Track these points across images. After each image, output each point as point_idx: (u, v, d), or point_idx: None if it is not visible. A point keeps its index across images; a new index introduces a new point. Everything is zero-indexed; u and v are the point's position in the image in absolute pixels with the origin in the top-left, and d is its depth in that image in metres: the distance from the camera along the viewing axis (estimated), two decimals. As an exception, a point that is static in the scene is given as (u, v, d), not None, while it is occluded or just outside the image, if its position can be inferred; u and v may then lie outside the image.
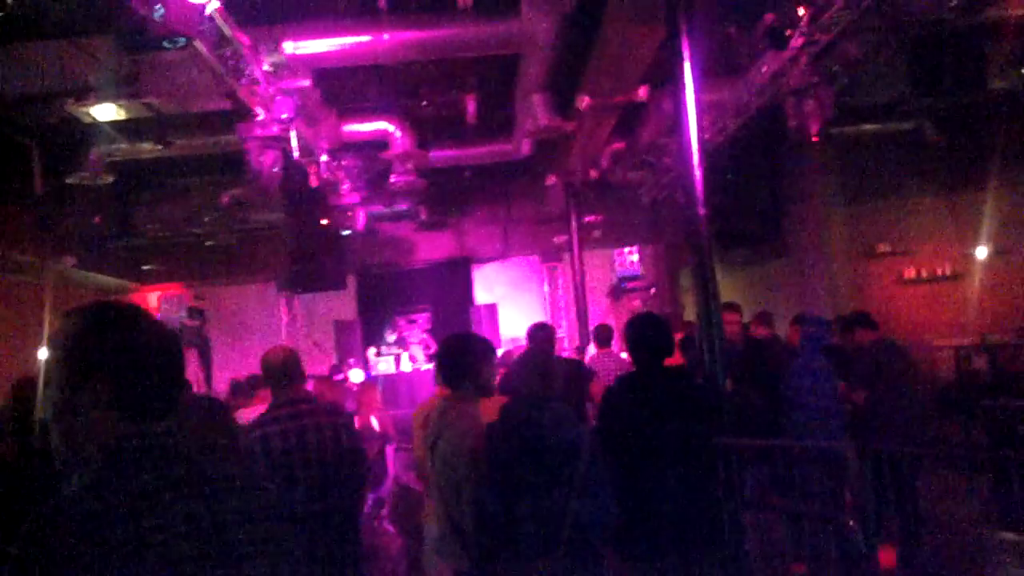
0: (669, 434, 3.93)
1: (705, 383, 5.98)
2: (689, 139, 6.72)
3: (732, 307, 7.27)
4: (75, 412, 1.59)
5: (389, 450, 8.01)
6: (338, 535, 4.19)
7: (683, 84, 6.74)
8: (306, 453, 4.14)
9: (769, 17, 8.41)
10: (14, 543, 1.42)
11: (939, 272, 14.07)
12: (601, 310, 17.13)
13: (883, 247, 14.20)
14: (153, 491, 1.53)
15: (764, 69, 9.35)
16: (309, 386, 8.35)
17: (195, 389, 12.29)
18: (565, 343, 16.48)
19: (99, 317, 1.65)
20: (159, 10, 5.72)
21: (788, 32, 8.26)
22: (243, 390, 8.25)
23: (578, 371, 6.84)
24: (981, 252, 13.68)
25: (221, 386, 13.52)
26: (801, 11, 8.14)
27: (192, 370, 14.76)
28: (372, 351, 16.37)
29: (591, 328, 10.72)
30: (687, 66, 6.74)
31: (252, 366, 11.33)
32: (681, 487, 3.88)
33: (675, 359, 8.04)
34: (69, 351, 1.61)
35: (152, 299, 16.05)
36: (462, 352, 4.10)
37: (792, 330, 7.52)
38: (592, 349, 9.39)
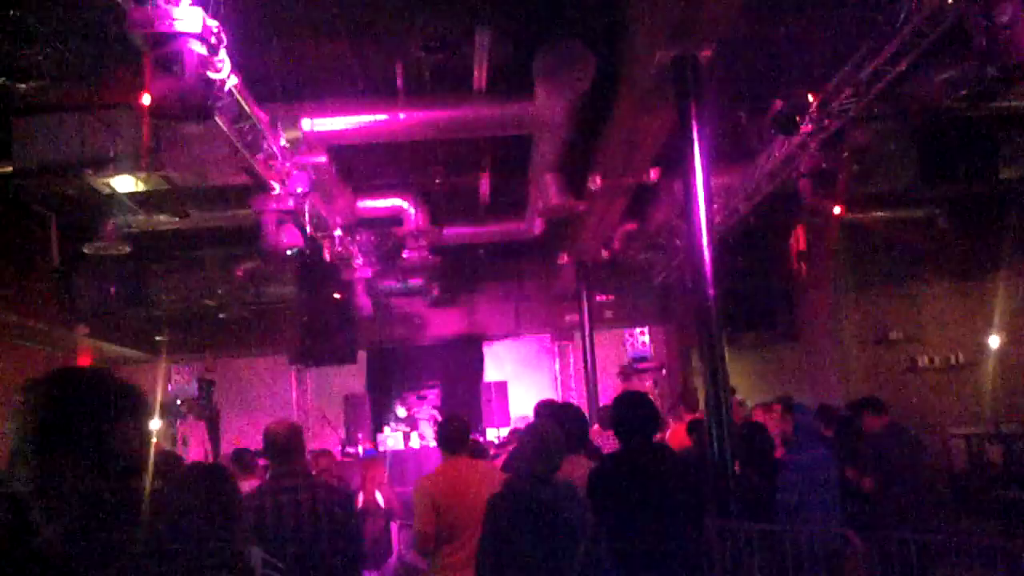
0: (654, 510, 3.90)
1: (688, 460, 5.94)
2: (699, 222, 6.79)
3: None
4: (51, 479, 1.61)
5: (393, 527, 7.94)
6: None
7: (693, 168, 6.84)
8: (299, 528, 4.12)
9: (778, 103, 8.52)
10: None
11: (952, 360, 13.99)
12: (611, 390, 17.04)
13: (895, 334, 14.16)
14: (123, 545, 1.54)
15: (774, 154, 9.45)
16: (322, 461, 8.34)
17: (203, 459, 12.26)
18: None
19: (58, 386, 1.68)
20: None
21: (797, 118, 8.36)
22: (244, 461, 8.23)
23: (586, 449, 6.79)
24: (994, 340, 13.61)
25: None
26: (810, 97, 8.25)
27: (201, 441, 14.72)
28: (388, 429, 16.26)
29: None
30: (697, 150, 6.83)
31: (260, 438, 11.29)
32: (667, 562, 3.84)
33: (682, 440, 8.00)
34: (34, 426, 1.64)
35: (163, 371, 16.06)
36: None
37: (783, 418, 7.44)
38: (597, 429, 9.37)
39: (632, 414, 4.24)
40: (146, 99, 5.76)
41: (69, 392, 1.67)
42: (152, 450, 1.76)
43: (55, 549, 1.49)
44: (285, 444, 4.32)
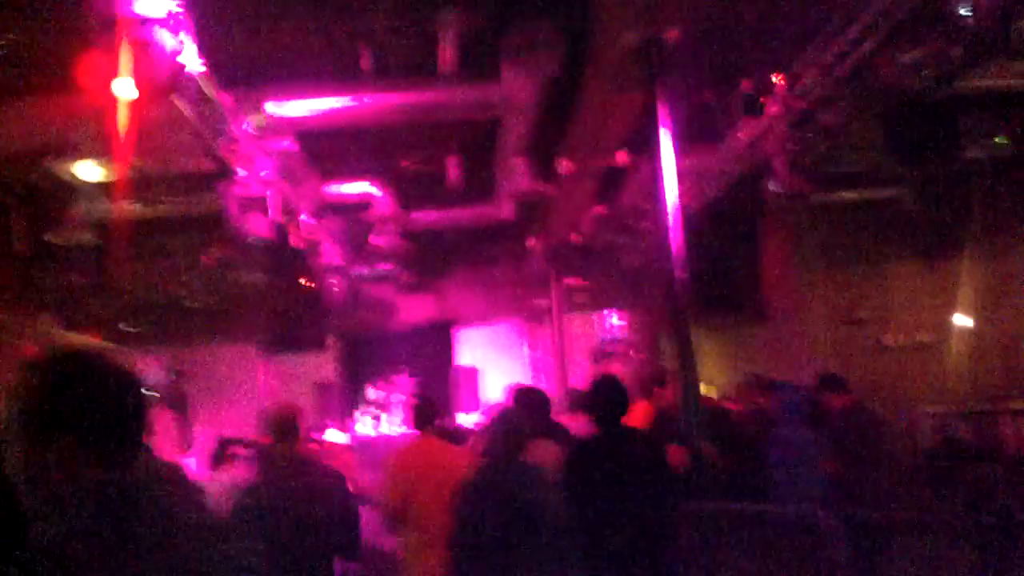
0: (626, 493, 3.90)
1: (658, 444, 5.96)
2: (667, 204, 6.80)
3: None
4: (42, 466, 1.56)
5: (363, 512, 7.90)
6: None
7: (660, 150, 6.83)
8: (296, 509, 4.12)
9: (746, 85, 8.54)
10: None
11: (920, 339, 14.09)
12: (583, 373, 17.08)
13: (863, 313, 14.24)
14: (130, 538, 1.51)
15: (740, 136, 9.47)
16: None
17: (172, 449, 12.14)
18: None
19: (54, 369, 1.62)
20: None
21: (763, 100, 8.37)
22: (218, 456, 8.19)
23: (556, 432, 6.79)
24: (962, 320, 13.72)
25: (198, 447, 13.36)
26: (776, 79, 8.27)
27: (171, 431, 14.59)
28: (358, 415, 16.21)
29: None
30: (664, 133, 6.83)
31: (230, 427, 11.22)
32: (641, 548, 3.84)
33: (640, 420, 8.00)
34: (27, 409, 1.58)
35: (130, 360, 15.90)
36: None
37: (756, 396, 7.47)
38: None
39: (608, 399, 4.24)
40: (106, 84, 5.68)
41: (65, 375, 1.62)
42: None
43: (63, 551, 1.45)
44: (287, 425, 4.33)
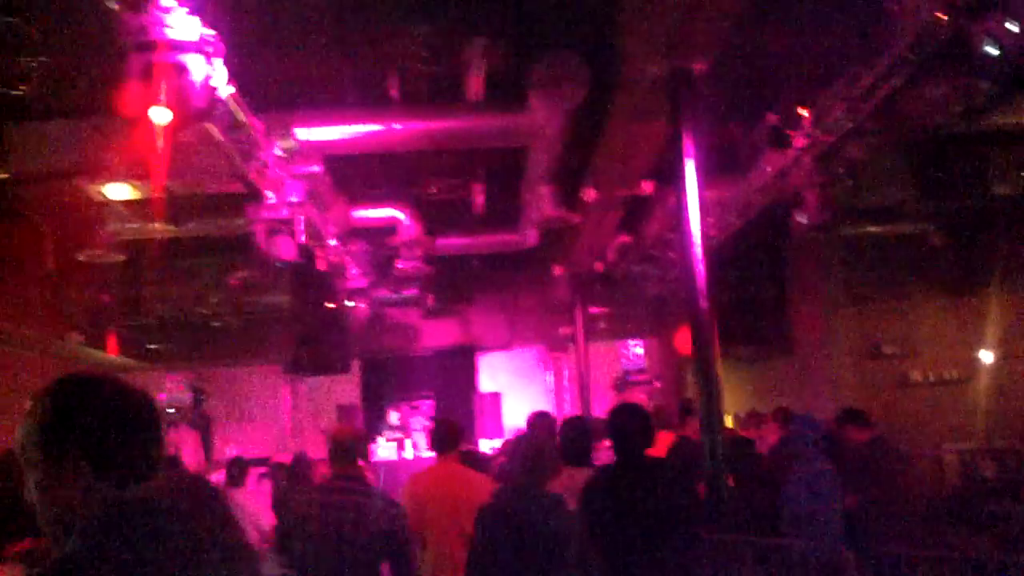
0: (645, 524, 3.89)
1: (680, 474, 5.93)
2: (691, 235, 6.82)
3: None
4: (58, 487, 1.60)
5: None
6: None
7: (685, 181, 6.86)
8: (340, 532, 4.13)
9: (772, 118, 8.55)
10: None
11: (945, 375, 13.97)
12: (605, 402, 17.05)
13: (888, 348, 14.13)
14: (150, 555, 1.53)
15: (767, 168, 9.47)
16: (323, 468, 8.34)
17: (194, 468, 12.24)
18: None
19: (66, 393, 1.67)
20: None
21: (790, 133, 8.38)
22: (236, 471, 8.26)
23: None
24: (987, 356, 13.60)
25: (221, 468, 13.45)
26: (803, 112, 8.28)
27: (193, 451, 14.68)
28: (381, 439, 16.22)
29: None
30: (690, 164, 6.86)
31: (254, 447, 11.28)
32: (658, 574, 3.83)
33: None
34: (42, 432, 1.63)
35: (155, 379, 16.03)
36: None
37: (773, 428, 7.43)
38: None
39: (629, 426, 4.24)
40: (140, 108, 5.76)
41: (77, 397, 1.66)
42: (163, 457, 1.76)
43: (83, 569, 1.48)
44: (347, 448, 4.37)
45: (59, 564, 1.50)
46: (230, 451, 9.89)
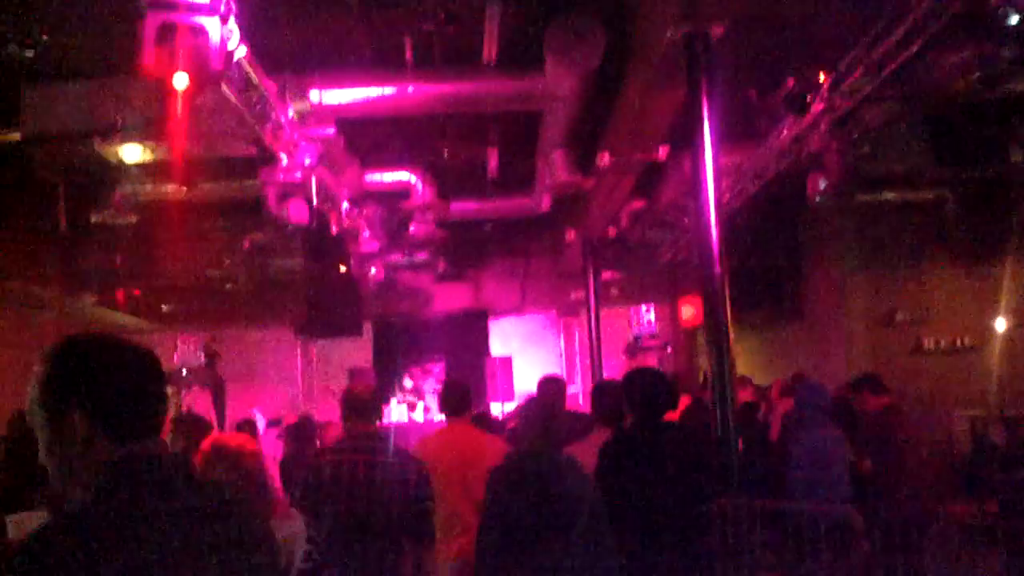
0: (664, 488, 3.91)
1: (700, 439, 5.97)
2: (707, 200, 6.78)
3: None
4: (62, 446, 1.63)
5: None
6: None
7: (702, 146, 6.81)
8: (354, 489, 4.10)
9: (790, 82, 8.47)
10: (8, 560, 1.44)
11: (958, 343, 13.93)
12: (616, 367, 17.07)
13: (902, 315, 14.09)
14: (151, 511, 1.55)
15: (784, 134, 9.41)
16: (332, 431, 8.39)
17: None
18: (580, 399, 16.41)
19: (65, 352, 1.69)
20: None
21: (808, 97, 8.31)
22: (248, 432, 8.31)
23: (586, 424, 6.78)
24: (1001, 324, 13.56)
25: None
26: (822, 77, 8.21)
27: (206, 411, 14.77)
28: (393, 402, 16.28)
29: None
30: (706, 128, 6.81)
31: (266, 410, 11.33)
32: (676, 542, 3.85)
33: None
34: (43, 391, 1.67)
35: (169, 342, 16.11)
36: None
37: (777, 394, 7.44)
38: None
39: (653, 390, 4.24)
40: (155, 69, 5.74)
41: (77, 357, 1.68)
42: (173, 414, 1.78)
43: (82, 523, 1.50)
44: (363, 405, 4.34)
45: (62, 520, 1.52)
46: (256, 414, 9.95)
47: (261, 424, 9.81)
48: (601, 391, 5.41)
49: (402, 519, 4.13)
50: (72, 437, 1.63)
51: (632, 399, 4.22)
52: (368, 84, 9.07)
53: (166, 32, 5.60)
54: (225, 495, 1.74)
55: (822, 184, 9.27)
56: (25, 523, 3.95)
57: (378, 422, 4.52)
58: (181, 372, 13.49)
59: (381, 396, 4.43)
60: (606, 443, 4.34)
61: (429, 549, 4.20)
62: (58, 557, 1.44)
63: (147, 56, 5.61)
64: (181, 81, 5.78)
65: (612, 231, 14.29)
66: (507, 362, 16.55)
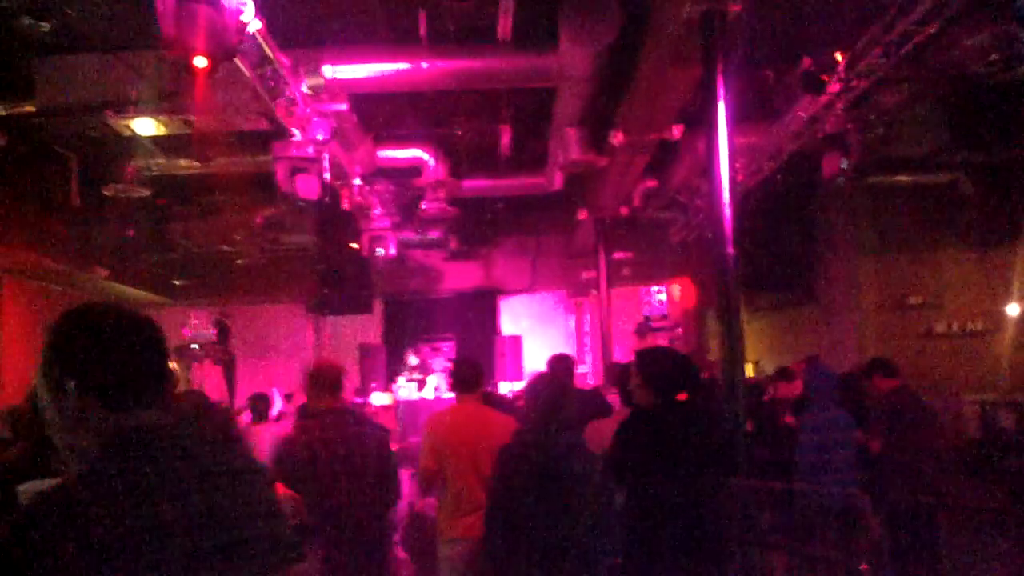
0: (679, 468, 3.90)
1: (715, 419, 5.95)
2: (720, 180, 6.75)
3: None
4: (60, 415, 1.64)
5: (405, 475, 7.99)
6: (361, 548, 4.19)
7: (716, 125, 6.78)
8: (335, 462, 4.17)
9: (806, 61, 8.42)
10: (8, 529, 1.45)
11: (969, 327, 13.90)
12: (626, 347, 17.07)
13: (914, 299, 14.06)
14: (151, 480, 1.56)
15: (799, 114, 9.35)
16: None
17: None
18: (589, 379, 16.41)
19: (62, 323, 1.69)
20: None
21: (824, 77, 8.26)
22: (260, 407, 8.36)
23: (595, 403, 6.79)
24: (1013, 308, 13.51)
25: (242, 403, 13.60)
26: (838, 57, 8.15)
27: (216, 386, 14.83)
28: (402, 379, 16.32)
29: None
30: (721, 107, 6.77)
31: (277, 385, 11.37)
32: (689, 521, 3.85)
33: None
34: (43, 362, 1.68)
35: (179, 315, 16.17)
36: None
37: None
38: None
39: (671, 369, 4.23)
40: (173, 41, 5.73)
41: (72, 326, 1.69)
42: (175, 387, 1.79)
43: (79, 492, 1.51)
44: (334, 381, 4.39)
45: (59, 490, 1.52)
46: (274, 392, 9.98)
47: (279, 403, 9.84)
48: (627, 371, 5.41)
49: (382, 488, 4.31)
50: (68, 407, 1.64)
51: (651, 377, 4.19)
52: (382, 60, 9.04)
53: (184, 5, 5.58)
54: (235, 465, 1.74)
55: (843, 164, 9.21)
56: (33, 492, 3.97)
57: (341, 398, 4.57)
58: (192, 346, 13.54)
59: (341, 372, 4.47)
60: (624, 420, 4.33)
61: (394, 506, 4.43)
62: (44, 530, 1.44)
63: (166, 29, 5.60)
64: (199, 61, 5.78)
65: (624, 210, 14.26)
66: (517, 341, 16.56)
